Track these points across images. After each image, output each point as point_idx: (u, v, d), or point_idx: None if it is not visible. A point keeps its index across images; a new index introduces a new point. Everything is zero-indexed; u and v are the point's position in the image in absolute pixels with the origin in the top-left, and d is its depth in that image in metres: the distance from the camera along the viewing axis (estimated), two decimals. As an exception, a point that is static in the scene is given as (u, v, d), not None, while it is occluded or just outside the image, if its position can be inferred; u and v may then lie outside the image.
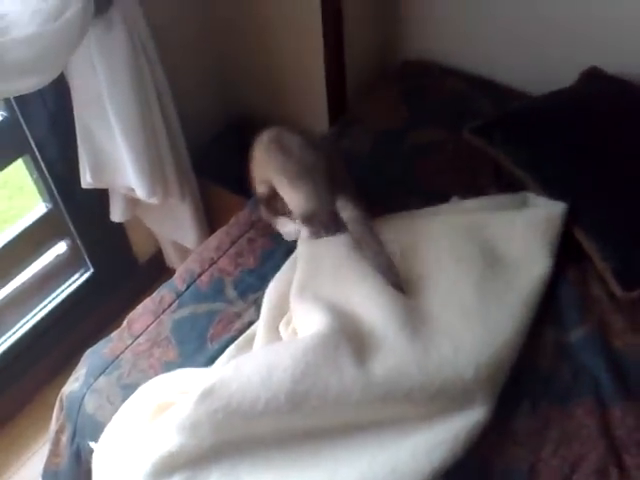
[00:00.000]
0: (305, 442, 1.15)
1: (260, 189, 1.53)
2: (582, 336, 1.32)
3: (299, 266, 1.41)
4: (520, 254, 1.38)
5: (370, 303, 1.29)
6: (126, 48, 1.54)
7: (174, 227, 2.03)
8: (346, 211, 1.40)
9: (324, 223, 1.43)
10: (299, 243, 1.47)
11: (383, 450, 1.13)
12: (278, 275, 1.43)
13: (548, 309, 1.35)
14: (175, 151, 1.80)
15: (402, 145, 1.73)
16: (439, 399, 1.17)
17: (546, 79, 1.70)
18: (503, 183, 1.57)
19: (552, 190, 1.47)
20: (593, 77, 1.70)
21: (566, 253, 1.42)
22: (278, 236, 1.54)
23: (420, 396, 1.16)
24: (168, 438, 1.13)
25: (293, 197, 1.44)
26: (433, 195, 1.57)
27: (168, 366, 1.32)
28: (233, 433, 1.14)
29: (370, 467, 1.10)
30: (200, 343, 1.35)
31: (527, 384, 1.26)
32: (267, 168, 1.47)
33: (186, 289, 1.46)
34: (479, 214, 1.46)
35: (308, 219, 1.44)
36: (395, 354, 1.20)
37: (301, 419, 1.15)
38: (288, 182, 1.43)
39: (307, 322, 1.27)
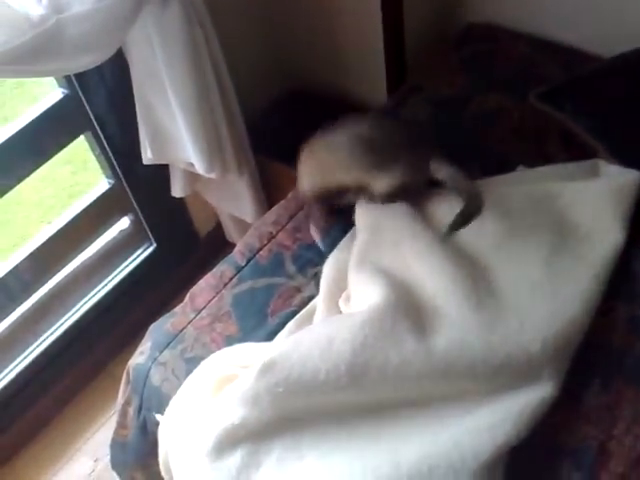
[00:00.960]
0: (366, 418, 1.14)
1: (314, 193, 1.46)
2: (657, 310, 1.26)
3: (359, 237, 1.38)
4: (593, 225, 1.32)
5: (433, 274, 1.26)
6: (182, 22, 1.53)
7: (233, 201, 2.03)
8: (441, 170, 1.35)
9: (416, 192, 1.38)
10: (357, 215, 1.44)
11: (445, 427, 1.10)
12: (336, 251, 1.41)
13: (621, 284, 1.29)
14: (232, 125, 1.80)
15: (464, 113, 1.67)
16: (503, 374, 1.14)
17: (619, 40, 1.60)
18: (572, 151, 1.50)
19: (625, 158, 1.39)
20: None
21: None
22: (336, 211, 1.52)
23: (483, 370, 1.13)
24: (230, 411, 1.14)
25: (383, 179, 1.36)
26: (498, 164, 1.51)
27: (229, 340, 1.33)
28: (294, 406, 1.14)
29: (432, 444, 1.08)
30: (260, 318, 1.35)
31: (598, 361, 1.21)
32: (332, 169, 1.41)
33: (246, 264, 1.46)
34: (549, 183, 1.40)
35: (399, 194, 1.37)
36: (458, 327, 1.17)
37: (362, 392, 1.14)
38: (372, 169, 1.36)
39: (365, 293, 1.25)
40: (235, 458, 1.12)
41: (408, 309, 1.20)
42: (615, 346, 1.23)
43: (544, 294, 1.22)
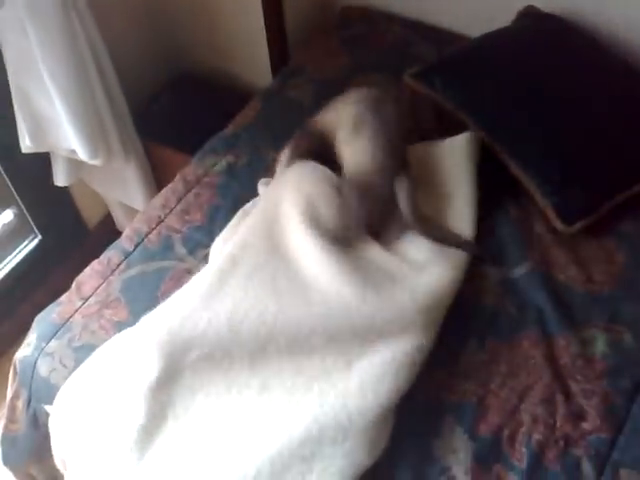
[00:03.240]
0: (252, 380, 1.17)
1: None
2: (525, 272, 1.35)
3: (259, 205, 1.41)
4: (451, 183, 1.41)
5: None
6: (55, 5, 1.48)
7: (120, 189, 2.00)
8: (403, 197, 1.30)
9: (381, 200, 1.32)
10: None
11: (331, 385, 1.15)
12: (225, 230, 1.43)
13: (491, 248, 1.38)
14: (116, 110, 1.77)
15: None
16: (377, 324, 1.19)
17: (488, 22, 1.70)
18: (445, 127, 1.57)
19: (492, 130, 1.48)
20: (529, 16, 1.70)
21: (507, 192, 1.46)
22: (224, 191, 1.54)
23: (359, 321, 1.19)
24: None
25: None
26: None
27: (119, 326, 1.31)
28: (183, 359, 1.16)
29: (322, 407, 1.12)
30: (151, 301, 1.34)
31: (473, 321, 1.29)
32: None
33: (134, 249, 1.45)
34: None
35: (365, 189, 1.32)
36: (334, 281, 1.23)
37: (243, 343, 1.17)
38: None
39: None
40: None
41: (288, 266, 1.26)
42: (488, 307, 1.31)
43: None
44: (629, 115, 1.48)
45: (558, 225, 1.39)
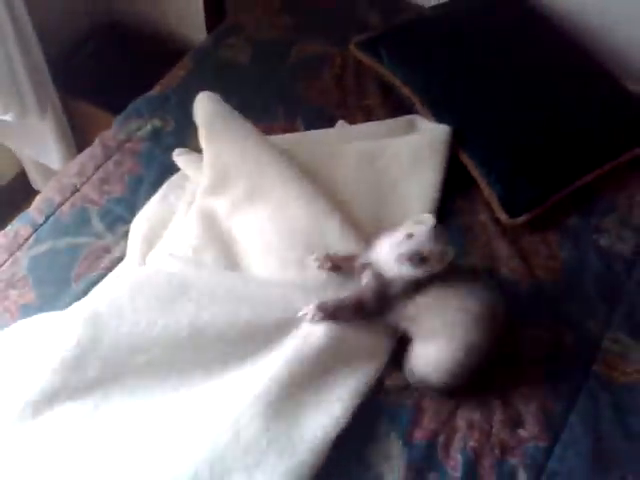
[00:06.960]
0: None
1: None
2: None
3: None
4: (408, 183, 1.32)
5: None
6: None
7: (35, 146, 1.82)
8: None
9: None
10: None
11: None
12: (148, 206, 1.30)
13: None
14: (30, 61, 1.58)
15: (286, 58, 1.59)
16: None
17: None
18: (389, 103, 1.48)
19: (439, 112, 1.40)
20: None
21: (455, 178, 1.37)
22: (148, 160, 1.40)
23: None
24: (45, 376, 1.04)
25: None
26: (318, 115, 1.47)
27: (26, 310, 1.18)
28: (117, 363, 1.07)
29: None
30: (62, 283, 1.22)
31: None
32: None
33: (45, 221, 1.30)
34: (368, 143, 1.37)
35: None
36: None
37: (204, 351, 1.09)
38: None
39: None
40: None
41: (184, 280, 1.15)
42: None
43: None
44: (581, 105, 1.41)
45: (502, 217, 1.32)
